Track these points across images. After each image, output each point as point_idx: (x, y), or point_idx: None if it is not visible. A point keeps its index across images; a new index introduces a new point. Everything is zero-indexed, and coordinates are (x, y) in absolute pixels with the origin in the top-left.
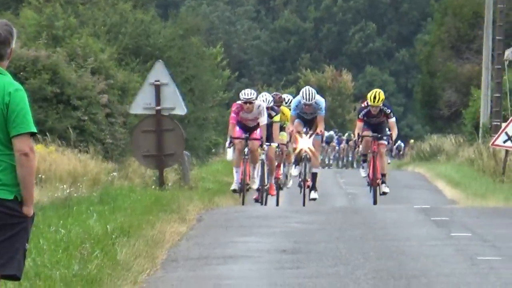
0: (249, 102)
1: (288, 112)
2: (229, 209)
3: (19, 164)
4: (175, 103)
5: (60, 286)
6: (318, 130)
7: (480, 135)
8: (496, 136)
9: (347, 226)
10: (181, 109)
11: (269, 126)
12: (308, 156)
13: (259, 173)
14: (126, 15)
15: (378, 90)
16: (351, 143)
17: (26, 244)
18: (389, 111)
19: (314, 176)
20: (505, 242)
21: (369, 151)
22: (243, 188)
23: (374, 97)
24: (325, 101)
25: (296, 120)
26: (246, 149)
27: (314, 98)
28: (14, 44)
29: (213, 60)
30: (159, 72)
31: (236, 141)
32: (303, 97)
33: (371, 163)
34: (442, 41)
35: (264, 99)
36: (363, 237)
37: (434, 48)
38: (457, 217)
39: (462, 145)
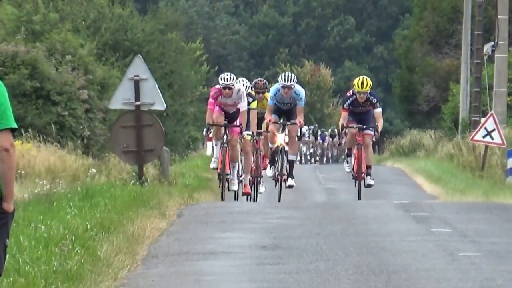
0: (228, 87)
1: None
2: (209, 204)
3: (1, 161)
4: (155, 99)
5: (40, 282)
6: (297, 121)
7: (459, 130)
8: (476, 131)
9: (327, 222)
10: (160, 105)
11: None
12: (285, 149)
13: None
14: (103, 10)
15: (364, 76)
16: (335, 139)
17: (7, 240)
18: (376, 100)
19: (291, 163)
20: (485, 237)
21: (354, 144)
22: (222, 179)
23: (362, 83)
24: (303, 93)
25: (272, 107)
26: (225, 137)
27: (294, 80)
28: None
29: (192, 55)
30: (138, 67)
31: (217, 127)
32: (282, 78)
33: (356, 156)
34: (421, 36)
35: (242, 85)
36: (343, 232)
37: (413, 43)
38: (437, 212)
39: (441, 140)
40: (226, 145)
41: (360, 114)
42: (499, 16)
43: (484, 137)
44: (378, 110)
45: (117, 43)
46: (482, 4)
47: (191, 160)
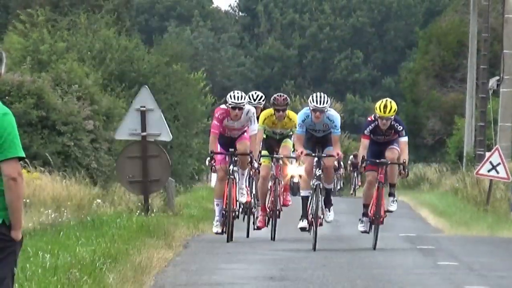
0: (238, 107)
1: (295, 116)
2: (215, 236)
3: (7, 189)
4: (161, 129)
5: None
6: (334, 152)
7: (464, 164)
8: (481, 165)
9: (333, 254)
10: (166, 136)
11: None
12: (320, 186)
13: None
14: (109, 41)
15: (388, 99)
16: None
17: (15, 269)
18: (402, 128)
19: (328, 192)
20: (491, 271)
21: (371, 182)
22: (229, 217)
23: (385, 106)
24: (338, 119)
25: (302, 136)
26: (231, 167)
27: (327, 103)
28: (3, 69)
29: (196, 86)
30: (144, 98)
31: (218, 166)
32: (313, 100)
33: (376, 196)
34: (426, 69)
35: (254, 98)
36: (349, 264)
37: (418, 76)
38: (443, 245)
39: (445, 174)
40: (232, 176)
41: (382, 146)
42: (504, 51)
43: (489, 171)
44: (404, 140)
45: (123, 74)
46: (487, 38)
47: (195, 191)
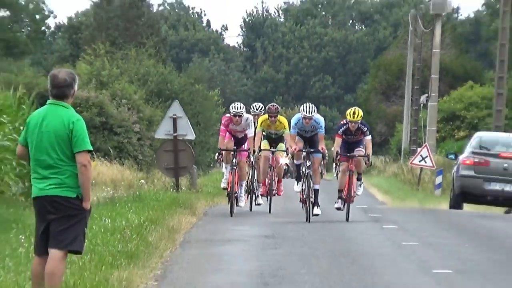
0: (238, 115)
1: (285, 120)
2: (226, 206)
3: (80, 173)
4: (187, 131)
5: (109, 259)
6: (319, 148)
7: (402, 156)
8: (414, 157)
9: (313, 222)
10: (191, 135)
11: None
12: (310, 174)
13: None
14: (150, 68)
15: (356, 107)
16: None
17: (85, 229)
18: (366, 129)
19: (316, 192)
20: (421, 231)
21: (344, 183)
22: (231, 198)
23: (353, 113)
24: (323, 122)
25: (297, 137)
26: (234, 160)
27: (314, 112)
28: (76, 87)
29: (212, 100)
30: (176, 109)
31: (225, 154)
32: (303, 110)
33: (347, 181)
34: (375, 89)
35: (254, 111)
36: (322, 226)
37: (370, 94)
38: (387, 214)
39: (389, 163)
40: (235, 167)
41: (351, 143)
42: (432, 76)
43: (420, 161)
44: (368, 138)
45: (160, 92)
46: (420, 67)
47: (211, 175)
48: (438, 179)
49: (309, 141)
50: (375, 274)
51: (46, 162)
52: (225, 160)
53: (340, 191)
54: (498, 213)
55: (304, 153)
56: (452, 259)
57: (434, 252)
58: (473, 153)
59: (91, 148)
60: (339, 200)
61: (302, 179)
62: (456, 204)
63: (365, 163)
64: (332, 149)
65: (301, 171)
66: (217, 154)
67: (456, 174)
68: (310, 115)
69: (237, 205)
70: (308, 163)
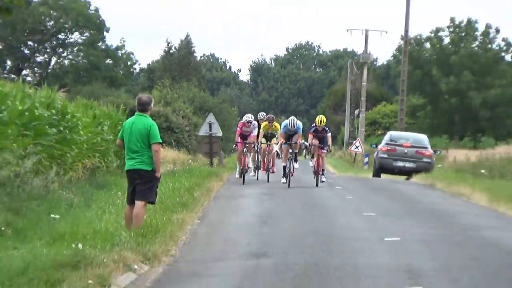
0: (249, 122)
1: (277, 125)
2: (238, 178)
3: (153, 155)
4: (217, 131)
5: (170, 207)
6: (297, 140)
7: (344, 146)
8: (351, 146)
9: (294, 188)
10: (219, 133)
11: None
12: (292, 157)
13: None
14: (195, 93)
15: (322, 116)
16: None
17: (157, 189)
18: (327, 129)
19: (295, 154)
20: (357, 190)
21: (316, 154)
22: (243, 173)
23: (320, 121)
24: (301, 124)
25: (283, 134)
26: (244, 149)
27: (296, 126)
28: (152, 105)
29: (233, 114)
30: (210, 117)
31: (239, 145)
32: (289, 124)
33: (316, 162)
34: (328, 106)
35: (260, 117)
36: (299, 192)
37: (325, 109)
38: (336, 180)
39: (337, 150)
40: (245, 153)
41: (319, 138)
42: (362, 98)
43: (355, 149)
44: (329, 135)
45: (201, 107)
46: (354, 93)
47: (231, 157)
48: (366, 159)
49: (291, 136)
50: (328, 216)
51: (134, 149)
52: (239, 157)
53: (312, 155)
54: (401, 179)
55: (286, 147)
56: (375, 207)
57: (364, 203)
58: (387, 144)
59: (160, 140)
60: (313, 161)
61: (287, 172)
62: (376, 174)
63: (327, 150)
64: (307, 142)
65: (286, 170)
66: (234, 145)
67: (376, 156)
68: (292, 128)
69: (251, 175)
70: (291, 150)
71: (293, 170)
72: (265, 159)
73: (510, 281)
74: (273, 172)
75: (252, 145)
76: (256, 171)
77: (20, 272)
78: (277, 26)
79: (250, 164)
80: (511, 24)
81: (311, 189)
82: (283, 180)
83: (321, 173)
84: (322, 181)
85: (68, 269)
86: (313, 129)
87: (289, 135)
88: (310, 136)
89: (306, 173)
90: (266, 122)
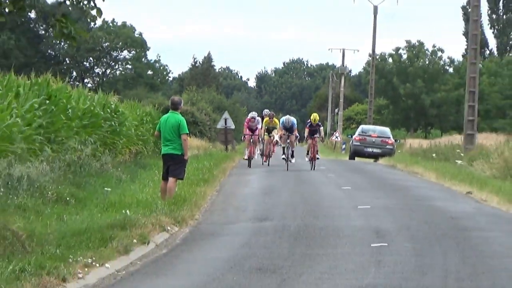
0: (254, 118)
1: (277, 120)
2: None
3: (183, 143)
4: (231, 124)
5: (195, 182)
6: (294, 133)
7: (327, 136)
8: (332, 136)
9: (292, 171)
10: (232, 126)
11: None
12: (289, 146)
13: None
14: (214, 96)
15: (316, 114)
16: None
17: (185, 168)
18: (320, 124)
19: (292, 152)
20: (336, 170)
21: (310, 148)
22: (250, 158)
23: (314, 119)
24: (295, 120)
25: (282, 128)
26: (251, 139)
27: (291, 122)
28: (182, 105)
29: (243, 111)
30: (226, 115)
31: (247, 136)
32: (285, 121)
33: (312, 150)
34: (316, 107)
35: (264, 113)
36: (293, 172)
37: (312, 108)
38: (321, 163)
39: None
40: (252, 143)
41: (313, 131)
42: (340, 100)
43: (335, 138)
44: (321, 128)
45: (219, 107)
46: (334, 96)
47: (241, 145)
48: (343, 146)
49: (288, 130)
50: (315, 189)
51: (168, 138)
52: (247, 145)
53: (308, 153)
54: (370, 161)
55: (286, 136)
56: (350, 182)
57: (342, 179)
58: (359, 134)
59: (187, 131)
60: (307, 155)
61: (285, 152)
62: (351, 157)
63: (321, 141)
64: (304, 133)
65: (284, 151)
66: (242, 136)
67: (351, 144)
68: (288, 125)
69: (252, 158)
70: (288, 141)
71: (291, 161)
72: (267, 148)
73: (453, 239)
74: (272, 153)
75: (257, 137)
76: (262, 157)
77: (81, 231)
78: (276, 46)
79: (257, 152)
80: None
81: (302, 171)
82: (283, 156)
83: (316, 159)
84: (292, 162)
85: (117, 230)
86: (308, 124)
87: (286, 129)
88: (306, 130)
89: (299, 157)
90: (267, 118)
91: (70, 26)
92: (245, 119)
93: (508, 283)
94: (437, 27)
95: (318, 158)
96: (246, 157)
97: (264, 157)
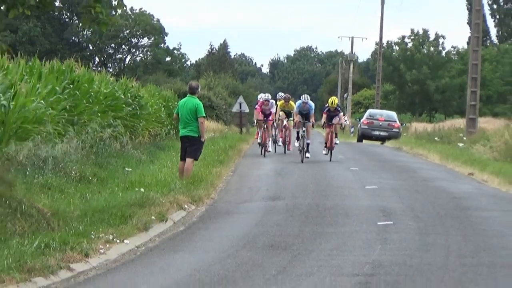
0: (267, 100)
1: (293, 104)
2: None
3: (200, 126)
4: (245, 108)
5: (211, 163)
6: (311, 120)
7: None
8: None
9: (309, 162)
10: (247, 110)
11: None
12: (304, 134)
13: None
14: (231, 82)
15: (334, 97)
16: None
17: (201, 150)
18: (340, 109)
19: (307, 144)
20: (345, 152)
21: (328, 133)
22: (264, 146)
23: (332, 102)
24: (313, 106)
25: (298, 114)
26: (264, 125)
27: (307, 99)
28: (199, 90)
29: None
30: (240, 99)
31: (260, 121)
32: (303, 97)
33: (330, 138)
34: (326, 91)
35: (279, 97)
36: (311, 163)
37: (323, 93)
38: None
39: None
40: (265, 129)
41: (331, 117)
42: (349, 85)
43: (344, 122)
44: (341, 114)
45: (234, 91)
46: (343, 82)
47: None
48: (352, 129)
49: (304, 116)
50: (325, 170)
51: (185, 121)
52: (259, 125)
53: (325, 143)
54: (377, 144)
55: (302, 123)
56: (358, 164)
57: (351, 161)
58: (367, 118)
59: (204, 115)
60: (325, 149)
61: (300, 139)
62: (359, 140)
63: (340, 127)
64: (322, 120)
65: (299, 134)
66: (255, 121)
67: (360, 127)
68: (305, 100)
69: (266, 151)
70: (304, 129)
71: (305, 155)
72: (282, 133)
73: (456, 218)
74: (289, 149)
75: (272, 122)
76: (274, 145)
77: (103, 209)
78: (288, 34)
79: (270, 141)
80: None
81: (313, 152)
82: (296, 143)
83: (333, 146)
84: (307, 157)
85: (137, 207)
86: (326, 109)
87: (302, 114)
88: (324, 116)
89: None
90: (283, 101)
91: (104, 11)
92: (257, 102)
93: (507, 260)
94: (443, 16)
95: (337, 143)
96: (259, 139)
97: (281, 140)
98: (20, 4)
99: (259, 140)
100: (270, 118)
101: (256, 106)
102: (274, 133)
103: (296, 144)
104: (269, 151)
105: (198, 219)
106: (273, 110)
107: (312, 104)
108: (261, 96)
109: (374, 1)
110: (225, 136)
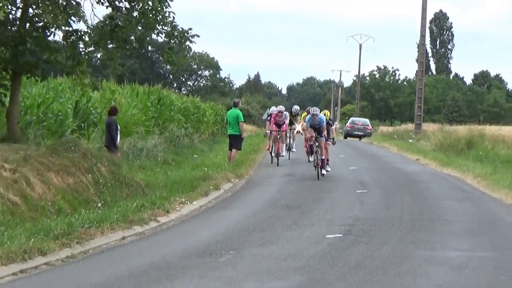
0: (281, 112)
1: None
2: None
3: (240, 127)
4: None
5: (247, 151)
6: (323, 134)
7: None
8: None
9: (304, 169)
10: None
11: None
12: (318, 150)
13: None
14: (260, 100)
15: (326, 111)
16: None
17: (242, 143)
18: (331, 122)
19: (322, 161)
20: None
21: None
22: (278, 155)
23: (324, 114)
24: (324, 118)
25: (310, 128)
26: (278, 136)
27: (318, 111)
28: (240, 104)
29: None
30: (268, 110)
31: (274, 132)
32: (312, 111)
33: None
34: (323, 106)
35: (293, 110)
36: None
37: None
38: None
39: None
40: (279, 139)
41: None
42: (338, 103)
43: (334, 126)
44: (332, 128)
45: (264, 105)
46: (335, 99)
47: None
48: (340, 130)
49: (317, 130)
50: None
51: (231, 124)
52: (273, 142)
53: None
54: (356, 140)
55: (314, 138)
56: (344, 153)
57: (339, 151)
58: (350, 123)
59: (243, 120)
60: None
61: (314, 153)
62: (345, 137)
63: (332, 143)
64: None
65: (313, 148)
66: (269, 133)
67: (345, 129)
68: (315, 112)
69: (280, 156)
70: (316, 144)
71: (322, 171)
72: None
73: (407, 188)
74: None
75: (285, 133)
76: (288, 152)
77: (177, 181)
78: (300, 68)
79: (284, 150)
80: (408, 67)
81: (309, 169)
82: (311, 158)
83: (326, 163)
84: (323, 174)
85: (200, 180)
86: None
87: (314, 128)
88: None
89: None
90: (306, 113)
91: (174, 55)
92: (271, 115)
93: (442, 215)
94: (398, 57)
95: (327, 162)
96: (273, 153)
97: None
98: (122, 48)
99: (272, 152)
100: (284, 128)
101: (270, 118)
102: (289, 142)
103: (311, 158)
104: (283, 156)
105: (240, 188)
106: (287, 121)
107: (323, 117)
108: (273, 109)
109: (356, 47)
110: (257, 135)
